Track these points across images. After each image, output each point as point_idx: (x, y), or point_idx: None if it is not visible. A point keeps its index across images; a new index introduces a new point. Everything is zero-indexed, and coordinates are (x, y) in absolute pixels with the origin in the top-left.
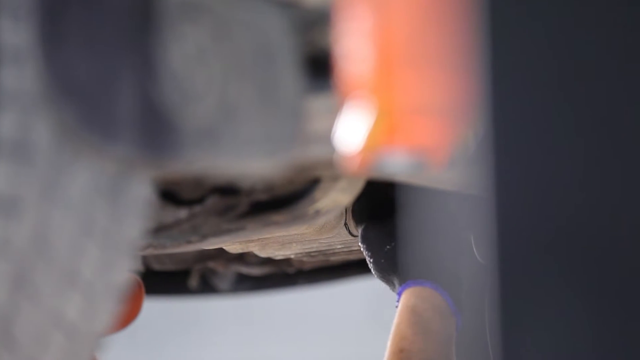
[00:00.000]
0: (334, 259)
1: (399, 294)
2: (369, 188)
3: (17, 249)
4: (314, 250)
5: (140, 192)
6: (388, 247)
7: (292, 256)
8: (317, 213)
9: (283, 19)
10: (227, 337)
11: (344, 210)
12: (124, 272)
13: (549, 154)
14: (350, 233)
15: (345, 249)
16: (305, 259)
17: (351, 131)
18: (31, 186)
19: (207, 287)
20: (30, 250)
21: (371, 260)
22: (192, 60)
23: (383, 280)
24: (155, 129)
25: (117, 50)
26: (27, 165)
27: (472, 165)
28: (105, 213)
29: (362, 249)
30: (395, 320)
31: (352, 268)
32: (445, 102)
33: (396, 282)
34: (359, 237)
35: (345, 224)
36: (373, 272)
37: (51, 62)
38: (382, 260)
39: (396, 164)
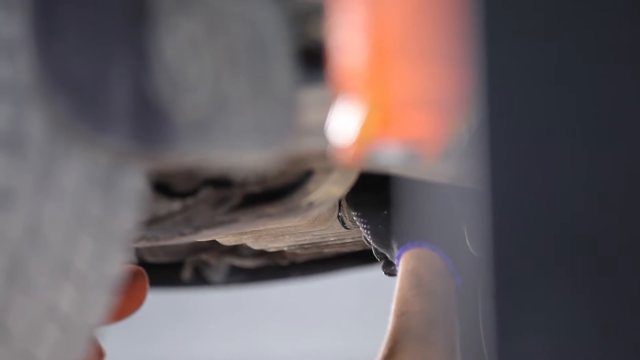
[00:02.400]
0: (327, 251)
1: (398, 258)
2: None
3: (10, 241)
4: (307, 242)
5: (134, 184)
6: (385, 212)
7: (285, 248)
8: (311, 205)
9: (276, 11)
10: (220, 329)
11: (338, 203)
12: (118, 263)
13: (542, 146)
14: (343, 225)
15: (338, 242)
16: (298, 251)
17: (344, 123)
18: (24, 178)
19: (200, 279)
20: (24, 242)
21: (368, 227)
22: (185, 52)
23: (381, 247)
24: (148, 120)
25: (110, 41)
26: (20, 156)
27: (466, 157)
28: (99, 205)
29: (356, 219)
30: (397, 284)
31: (345, 260)
32: (439, 94)
33: (394, 245)
34: (352, 206)
35: (339, 216)
36: (370, 241)
37: (44, 54)
38: (380, 226)
39: (390, 156)
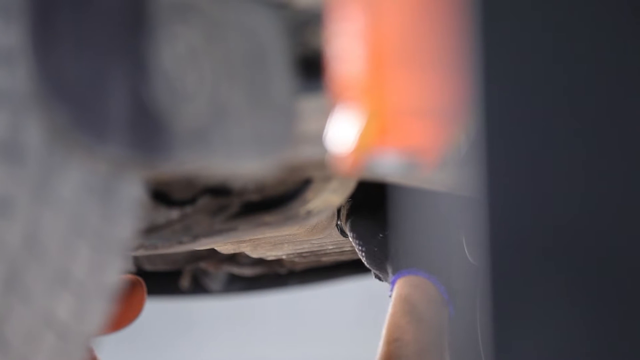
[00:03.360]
0: (326, 259)
1: (393, 283)
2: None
3: (8, 250)
4: (305, 250)
5: (132, 192)
6: (381, 235)
7: (284, 257)
8: (309, 214)
9: (275, 20)
10: (220, 337)
11: (336, 211)
12: (116, 272)
13: (540, 155)
14: (342, 233)
15: (336, 250)
16: (296, 259)
17: (343, 132)
18: (23, 186)
19: (198, 287)
20: (22, 250)
21: (363, 249)
22: (184, 61)
23: (376, 269)
24: (146, 129)
25: (108, 50)
26: (19, 165)
27: (464, 166)
28: (97, 213)
29: (352, 240)
30: (390, 310)
31: (343, 269)
32: (437, 103)
33: (389, 270)
34: (348, 227)
35: (337, 225)
36: (365, 262)
37: (43, 63)
38: (375, 249)
39: (388, 165)
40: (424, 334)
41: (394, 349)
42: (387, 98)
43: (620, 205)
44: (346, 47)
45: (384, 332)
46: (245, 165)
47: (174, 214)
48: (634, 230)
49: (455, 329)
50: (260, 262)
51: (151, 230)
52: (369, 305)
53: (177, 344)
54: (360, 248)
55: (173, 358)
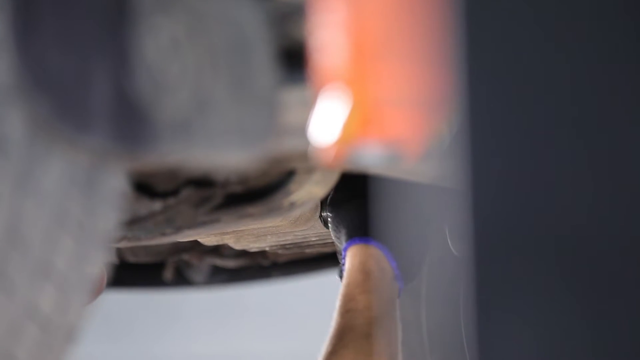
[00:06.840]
0: (309, 251)
1: (345, 250)
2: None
3: None
4: (288, 242)
5: (115, 184)
6: (346, 205)
7: (267, 248)
8: (292, 205)
9: (257, 11)
10: (206, 331)
11: (319, 203)
12: (98, 264)
13: (524, 146)
14: (325, 225)
15: (320, 242)
16: (280, 251)
17: (326, 123)
18: (5, 178)
19: (181, 279)
20: (4, 242)
21: (330, 215)
22: (167, 53)
23: (335, 238)
24: (129, 120)
25: (91, 41)
26: (1, 157)
27: (447, 157)
28: (80, 205)
29: (327, 214)
30: (344, 280)
31: (327, 260)
32: (420, 94)
33: (343, 238)
34: (328, 201)
35: (321, 216)
36: (330, 232)
37: (25, 54)
38: (338, 218)
39: (371, 157)
40: (377, 303)
41: (346, 320)
42: (369, 89)
43: (605, 200)
44: (329, 38)
45: (338, 303)
46: (228, 156)
47: (157, 205)
48: (618, 225)
49: (436, 321)
50: (243, 253)
51: (134, 222)
52: None
53: (163, 337)
54: (329, 218)
55: (159, 351)
